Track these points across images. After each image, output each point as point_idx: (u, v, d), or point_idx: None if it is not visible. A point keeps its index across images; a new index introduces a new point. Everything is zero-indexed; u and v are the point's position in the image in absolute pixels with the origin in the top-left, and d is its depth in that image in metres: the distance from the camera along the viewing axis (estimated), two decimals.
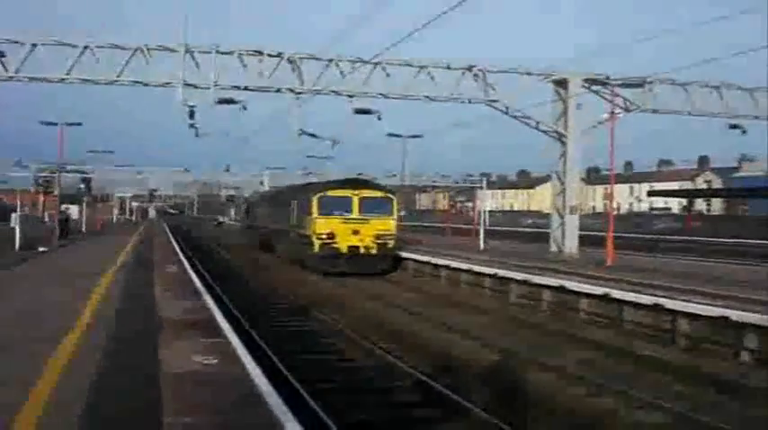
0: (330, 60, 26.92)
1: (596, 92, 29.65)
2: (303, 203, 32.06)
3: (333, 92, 27.45)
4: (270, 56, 26.59)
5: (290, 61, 26.76)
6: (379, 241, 29.94)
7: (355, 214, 30.20)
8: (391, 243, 30.58)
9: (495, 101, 28.59)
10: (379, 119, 28.49)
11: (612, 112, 28.28)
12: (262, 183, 70.70)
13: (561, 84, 29.19)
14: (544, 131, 29.82)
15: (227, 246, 52.79)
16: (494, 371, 13.46)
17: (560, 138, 29.37)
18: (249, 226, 56.29)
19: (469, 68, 28.11)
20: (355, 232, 29.85)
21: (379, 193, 31.41)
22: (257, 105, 28.13)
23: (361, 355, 14.63)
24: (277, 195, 44.43)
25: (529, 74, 28.85)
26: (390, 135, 46.69)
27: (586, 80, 29.09)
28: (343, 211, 30.15)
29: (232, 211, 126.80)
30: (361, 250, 29.76)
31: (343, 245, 29.71)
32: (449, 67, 28.04)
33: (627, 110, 29.79)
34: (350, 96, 27.52)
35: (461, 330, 17.41)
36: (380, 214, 30.53)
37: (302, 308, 20.94)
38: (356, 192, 30.66)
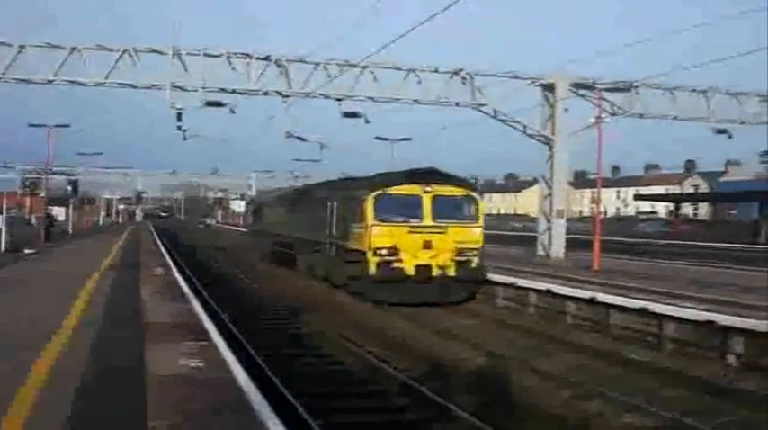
0: (318, 64, 26.85)
1: (583, 96, 29.71)
2: (349, 204, 23.80)
3: (321, 95, 27.42)
4: (258, 59, 26.54)
5: (278, 64, 26.71)
6: (459, 258, 21.97)
7: (427, 220, 22.09)
8: (475, 261, 22.36)
9: (482, 104, 28.60)
10: (367, 122, 28.47)
11: (599, 117, 28.34)
12: (250, 186, 70.92)
13: (549, 88, 29.24)
14: (531, 135, 29.83)
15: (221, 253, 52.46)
16: (481, 375, 13.48)
17: (547, 142, 29.42)
18: (258, 232, 44.60)
19: (457, 72, 28.08)
20: (427, 245, 21.86)
21: (458, 190, 23.02)
22: (245, 108, 28.08)
23: (352, 359, 14.61)
24: (303, 193, 35.09)
25: (516, 77, 28.86)
26: (378, 138, 46.83)
27: (573, 84, 29.14)
28: (409, 216, 22.19)
29: (219, 214, 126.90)
30: (435, 271, 21.72)
31: (409, 264, 21.66)
32: (437, 71, 28.00)
33: (614, 114, 29.86)
34: (338, 100, 27.46)
35: (449, 333, 17.43)
36: (461, 220, 22.60)
37: (295, 310, 20.82)
38: (428, 188, 22.23)
